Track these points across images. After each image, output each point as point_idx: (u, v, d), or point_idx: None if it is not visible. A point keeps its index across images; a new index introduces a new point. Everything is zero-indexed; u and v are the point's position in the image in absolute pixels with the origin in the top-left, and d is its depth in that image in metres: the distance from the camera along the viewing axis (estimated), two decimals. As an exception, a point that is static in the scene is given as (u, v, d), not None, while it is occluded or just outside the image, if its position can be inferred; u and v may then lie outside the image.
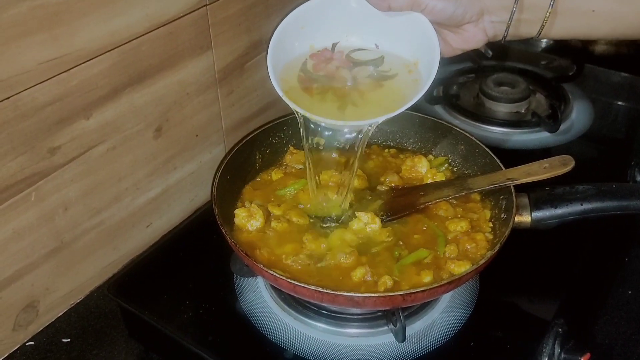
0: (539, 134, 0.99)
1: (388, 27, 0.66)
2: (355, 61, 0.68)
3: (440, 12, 0.63)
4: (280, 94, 0.62)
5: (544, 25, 0.64)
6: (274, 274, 0.61)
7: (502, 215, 0.71)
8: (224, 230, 0.66)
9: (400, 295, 0.59)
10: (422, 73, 0.65)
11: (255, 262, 0.62)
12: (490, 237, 0.70)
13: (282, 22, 0.65)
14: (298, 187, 0.77)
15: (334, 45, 0.68)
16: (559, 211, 0.68)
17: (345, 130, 0.65)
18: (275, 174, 0.80)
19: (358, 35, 0.68)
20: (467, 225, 0.71)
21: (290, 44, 0.66)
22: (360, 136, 0.65)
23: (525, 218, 0.68)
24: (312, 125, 0.64)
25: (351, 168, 0.68)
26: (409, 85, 0.65)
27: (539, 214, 0.68)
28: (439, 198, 0.72)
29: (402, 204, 0.73)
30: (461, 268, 0.65)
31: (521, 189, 0.70)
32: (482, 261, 0.63)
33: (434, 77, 0.62)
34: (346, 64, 0.67)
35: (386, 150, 0.85)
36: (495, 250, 0.64)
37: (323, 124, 0.63)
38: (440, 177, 0.79)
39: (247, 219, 0.71)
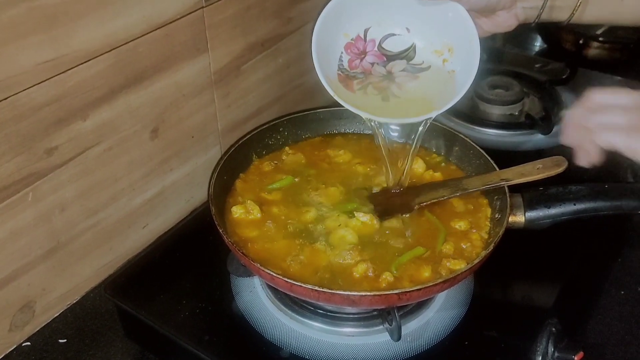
0: (532, 135, 1.00)
1: (421, 14, 0.68)
2: (387, 54, 0.69)
3: (476, 2, 0.65)
4: (332, 93, 0.64)
5: (574, 13, 0.67)
6: (271, 272, 0.61)
7: (497, 216, 0.71)
8: (221, 231, 0.66)
9: (396, 294, 0.60)
10: (459, 64, 0.67)
11: (252, 262, 0.62)
12: (485, 236, 0.71)
13: (321, 16, 0.66)
14: (284, 183, 0.77)
15: (365, 31, 0.69)
16: (552, 211, 0.68)
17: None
18: (267, 167, 0.81)
19: (390, 22, 0.69)
20: (466, 225, 0.72)
21: (328, 37, 0.67)
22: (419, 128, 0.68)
23: (519, 218, 0.69)
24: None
25: (410, 154, 0.71)
26: (446, 78, 0.67)
27: (532, 214, 0.68)
28: (434, 199, 0.73)
29: (397, 204, 0.74)
30: (456, 266, 0.65)
31: (515, 189, 0.70)
32: (477, 260, 0.64)
33: (476, 69, 0.64)
34: (379, 57, 0.69)
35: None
36: (490, 250, 0.64)
37: (377, 122, 0.66)
38: (438, 177, 0.79)
39: (245, 215, 0.72)
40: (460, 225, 0.72)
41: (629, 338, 0.72)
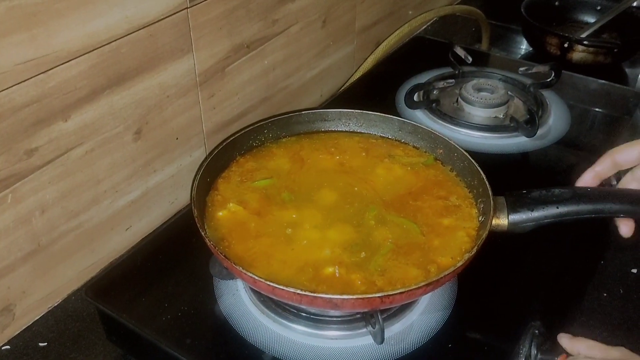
0: (517, 138, 1.01)
1: None
2: None
3: None
4: None
5: None
6: (253, 276, 0.61)
7: (480, 218, 0.71)
8: (203, 234, 0.65)
9: (379, 297, 0.59)
10: None
11: (235, 265, 0.62)
12: (474, 233, 0.71)
13: None
14: (268, 183, 0.77)
15: None
16: (536, 214, 0.68)
17: None
18: (250, 166, 0.79)
19: None
20: (453, 222, 0.72)
21: None
22: None
23: (502, 221, 0.69)
24: None
25: None
26: None
27: (516, 217, 0.68)
28: None
29: None
30: (446, 260, 0.66)
31: (498, 192, 0.70)
32: (460, 263, 0.64)
33: None
34: None
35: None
36: (473, 253, 0.64)
37: None
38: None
39: (228, 216, 0.72)
40: (447, 222, 0.72)
41: (612, 340, 0.72)
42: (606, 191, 0.70)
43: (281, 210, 0.73)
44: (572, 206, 0.68)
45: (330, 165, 0.81)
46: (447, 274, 0.63)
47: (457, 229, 0.71)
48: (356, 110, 0.85)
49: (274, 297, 0.65)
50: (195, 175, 0.73)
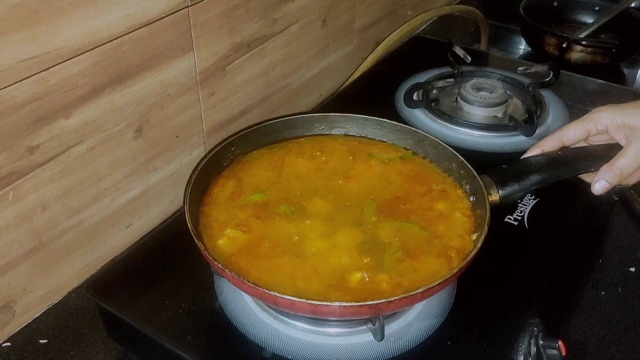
0: (515, 137, 1.01)
1: None
2: None
3: None
4: None
5: None
6: (300, 300, 0.59)
7: (471, 199, 0.73)
8: (220, 266, 0.62)
9: (421, 292, 0.59)
10: None
11: (255, 285, 0.59)
12: (469, 213, 0.72)
13: None
14: (258, 198, 0.75)
15: None
16: (522, 184, 0.73)
17: None
18: (232, 183, 0.76)
19: None
20: (447, 205, 0.73)
21: None
22: None
23: (494, 197, 0.72)
24: None
25: None
26: None
27: (506, 190, 0.72)
28: None
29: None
30: (458, 241, 0.68)
31: (480, 171, 0.73)
32: (479, 244, 0.64)
33: None
34: None
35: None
36: (485, 230, 0.65)
37: None
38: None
39: (231, 243, 0.69)
40: (441, 207, 0.73)
41: (610, 338, 0.73)
42: (576, 151, 0.76)
43: (282, 222, 0.71)
44: (552, 170, 0.74)
45: (316, 168, 0.80)
46: (474, 255, 0.63)
47: (453, 210, 0.73)
48: (318, 114, 0.85)
49: (314, 316, 0.65)
50: (184, 208, 0.68)
